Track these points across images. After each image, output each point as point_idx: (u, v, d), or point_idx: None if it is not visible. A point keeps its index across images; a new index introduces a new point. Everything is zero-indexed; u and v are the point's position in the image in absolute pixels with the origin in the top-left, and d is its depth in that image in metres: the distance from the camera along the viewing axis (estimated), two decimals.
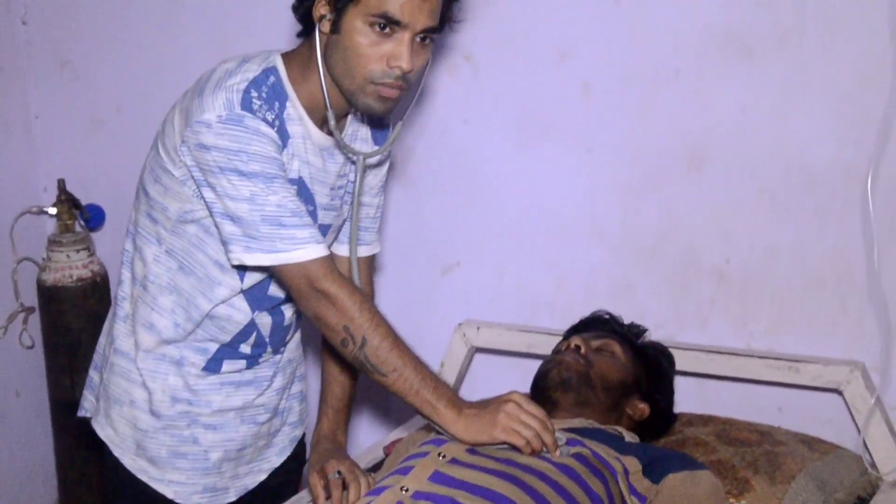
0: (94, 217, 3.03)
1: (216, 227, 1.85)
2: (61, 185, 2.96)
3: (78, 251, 2.94)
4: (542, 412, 1.83)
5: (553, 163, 2.51)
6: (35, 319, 3.07)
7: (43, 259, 2.98)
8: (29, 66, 3.05)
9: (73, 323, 2.93)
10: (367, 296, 1.95)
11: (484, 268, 2.63)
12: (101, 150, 3.03)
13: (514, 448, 1.80)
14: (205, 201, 1.84)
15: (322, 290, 1.80)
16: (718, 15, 2.29)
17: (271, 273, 1.91)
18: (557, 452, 1.81)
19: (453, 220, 2.64)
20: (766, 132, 2.30)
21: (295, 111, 1.86)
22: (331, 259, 1.85)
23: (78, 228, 3.00)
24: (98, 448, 2.09)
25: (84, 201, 2.99)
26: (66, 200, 2.96)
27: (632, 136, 2.42)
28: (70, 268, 2.92)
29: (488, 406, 1.83)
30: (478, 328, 2.58)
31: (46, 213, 3.02)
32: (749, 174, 2.33)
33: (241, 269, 1.91)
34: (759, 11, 2.25)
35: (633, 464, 1.89)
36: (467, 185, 2.61)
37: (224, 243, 1.84)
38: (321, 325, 1.84)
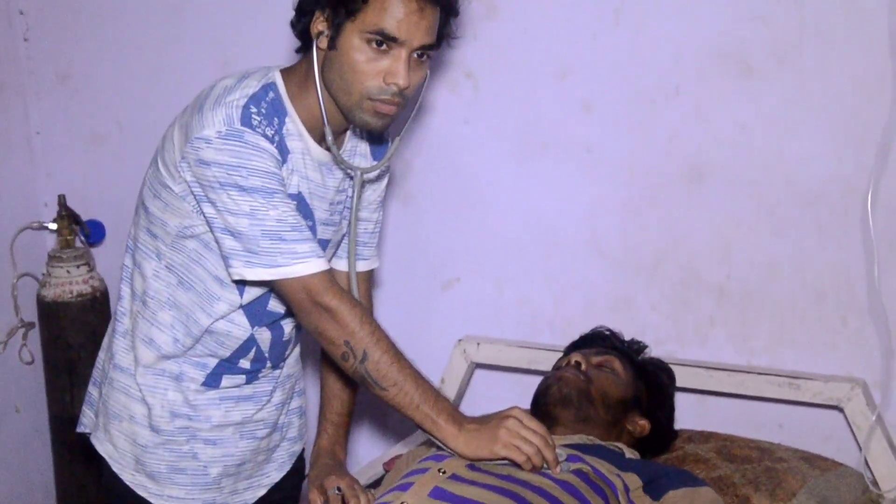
0: (94, 232, 3.03)
1: (216, 242, 1.85)
2: (62, 200, 2.97)
3: (78, 266, 2.94)
4: (542, 428, 1.83)
5: (553, 178, 2.51)
6: (35, 335, 3.07)
7: (43, 274, 2.98)
8: (30, 82, 3.06)
9: (73, 338, 2.93)
10: (367, 310, 1.94)
11: (484, 283, 2.63)
12: (101, 166, 3.04)
13: (514, 464, 1.79)
14: (205, 217, 1.84)
15: (323, 305, 1.80)
16: (718, 33, 2.29)
17: (271, 288, 1.91)
18: (558, 468, 1.80)
19: (453, 236, 2.64)
20: (765, 148, 2.30)
21: (294, 127, 1.87)
22: (331, 273, 1.85)
23: (78, 244, 3.00)
24: (97, 463, 2.08)
25: (84, 217, 3.00)
26: (67, 216, 2.97)
27: (632, 152, 2.42)
28: (70, 283, 2.92)
29: (489, 421, 1.82)
30: (478, 344, 2.57)
31: (47, 228, 3.03)
32: (749, 190, 2.33)
33: (241, 284, 1.91)
34: (758, 29, 2.26)
35: (633, 480, 1.89)
36: (467, 200, 2.61)
37: (224, 258, 1.84)
38: (322, 339, 1.84)
